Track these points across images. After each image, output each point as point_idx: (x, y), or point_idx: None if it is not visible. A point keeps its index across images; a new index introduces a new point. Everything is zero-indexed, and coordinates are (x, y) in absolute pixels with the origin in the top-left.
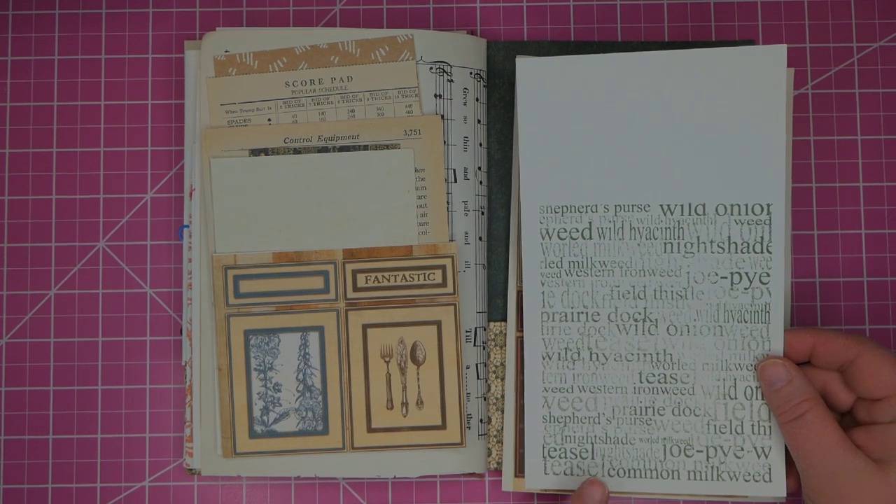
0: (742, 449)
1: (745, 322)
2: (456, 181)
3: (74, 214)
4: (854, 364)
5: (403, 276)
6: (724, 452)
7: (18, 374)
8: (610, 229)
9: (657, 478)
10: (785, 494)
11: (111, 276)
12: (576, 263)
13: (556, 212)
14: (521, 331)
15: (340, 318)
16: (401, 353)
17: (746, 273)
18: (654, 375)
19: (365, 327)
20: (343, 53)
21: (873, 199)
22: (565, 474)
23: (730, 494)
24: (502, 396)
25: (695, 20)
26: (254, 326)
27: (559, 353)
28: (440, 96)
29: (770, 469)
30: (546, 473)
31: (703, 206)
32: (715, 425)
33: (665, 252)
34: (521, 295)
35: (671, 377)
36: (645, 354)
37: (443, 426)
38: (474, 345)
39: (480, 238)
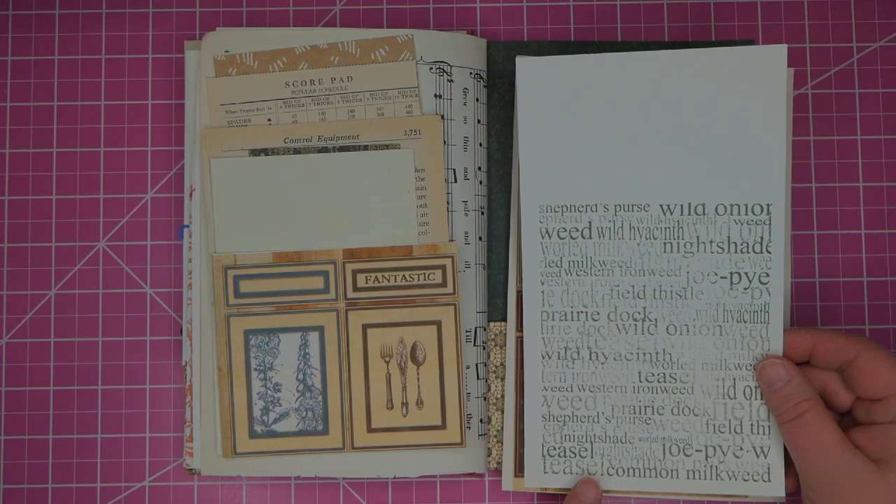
0: (741, 448)
1: (745, 322)
2: (456, 181)
3: (74, 214)
4: (853, 364)
5: (403, 276)
6: (723, 452)
7: (18, 374)
8: (610, 229)
9: (656, 477)
10: (784, 494)
11: (111, 276)
12: (575, 263)
13: (555, 211)
14: (521, 330)
15: (340, 318)
16: (401, 353)
17: (746, 273)
18: (653, 375)
19: (365, 327)
20: (343, 53)
21: (873, 199)
22: (564, 473)
23: (729, 494)
24: (502, 396)
25: (695, 20)
26: (254, 326)
27: (559, 353)
28: (440, 96)
29: (769, 469)
30: (545, 472)
31: (703, 205)
32: (714, 425)
33: (665, 252)
34: (521, 295)
35: (670, 377)
36: (644, 354)
37: (443, 426)
38: (474, 345)
39: (480, 238)
